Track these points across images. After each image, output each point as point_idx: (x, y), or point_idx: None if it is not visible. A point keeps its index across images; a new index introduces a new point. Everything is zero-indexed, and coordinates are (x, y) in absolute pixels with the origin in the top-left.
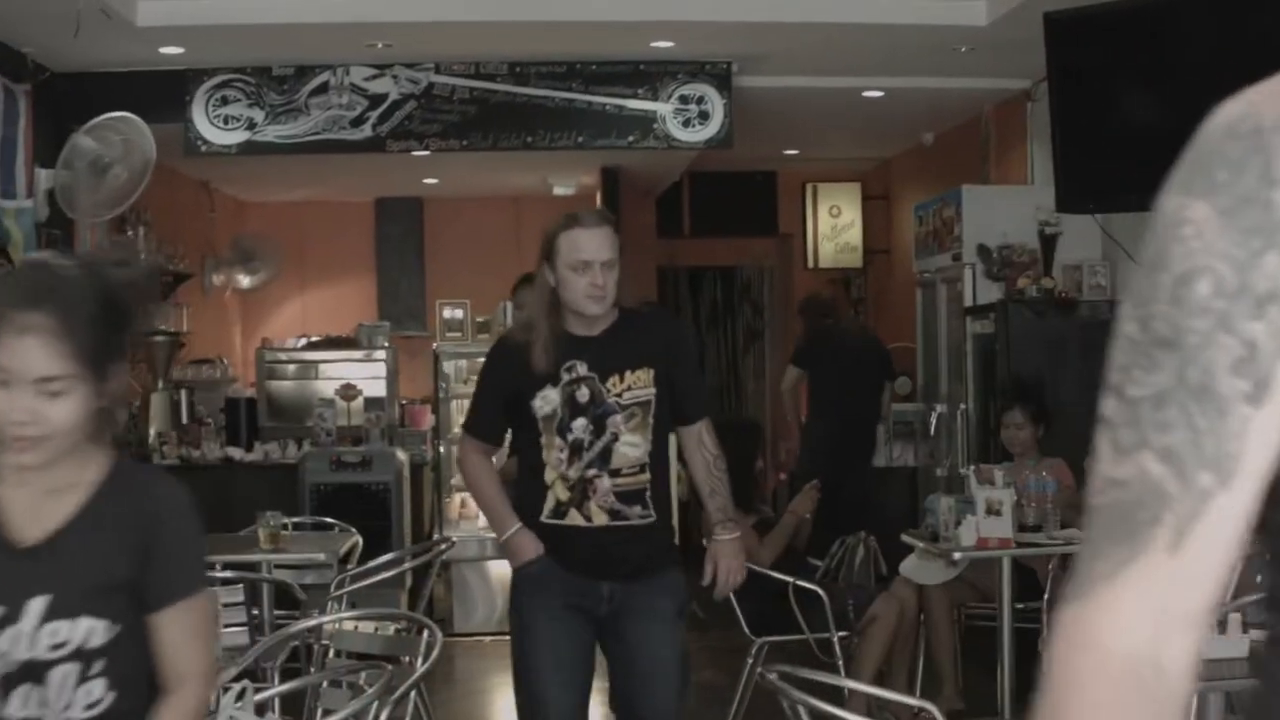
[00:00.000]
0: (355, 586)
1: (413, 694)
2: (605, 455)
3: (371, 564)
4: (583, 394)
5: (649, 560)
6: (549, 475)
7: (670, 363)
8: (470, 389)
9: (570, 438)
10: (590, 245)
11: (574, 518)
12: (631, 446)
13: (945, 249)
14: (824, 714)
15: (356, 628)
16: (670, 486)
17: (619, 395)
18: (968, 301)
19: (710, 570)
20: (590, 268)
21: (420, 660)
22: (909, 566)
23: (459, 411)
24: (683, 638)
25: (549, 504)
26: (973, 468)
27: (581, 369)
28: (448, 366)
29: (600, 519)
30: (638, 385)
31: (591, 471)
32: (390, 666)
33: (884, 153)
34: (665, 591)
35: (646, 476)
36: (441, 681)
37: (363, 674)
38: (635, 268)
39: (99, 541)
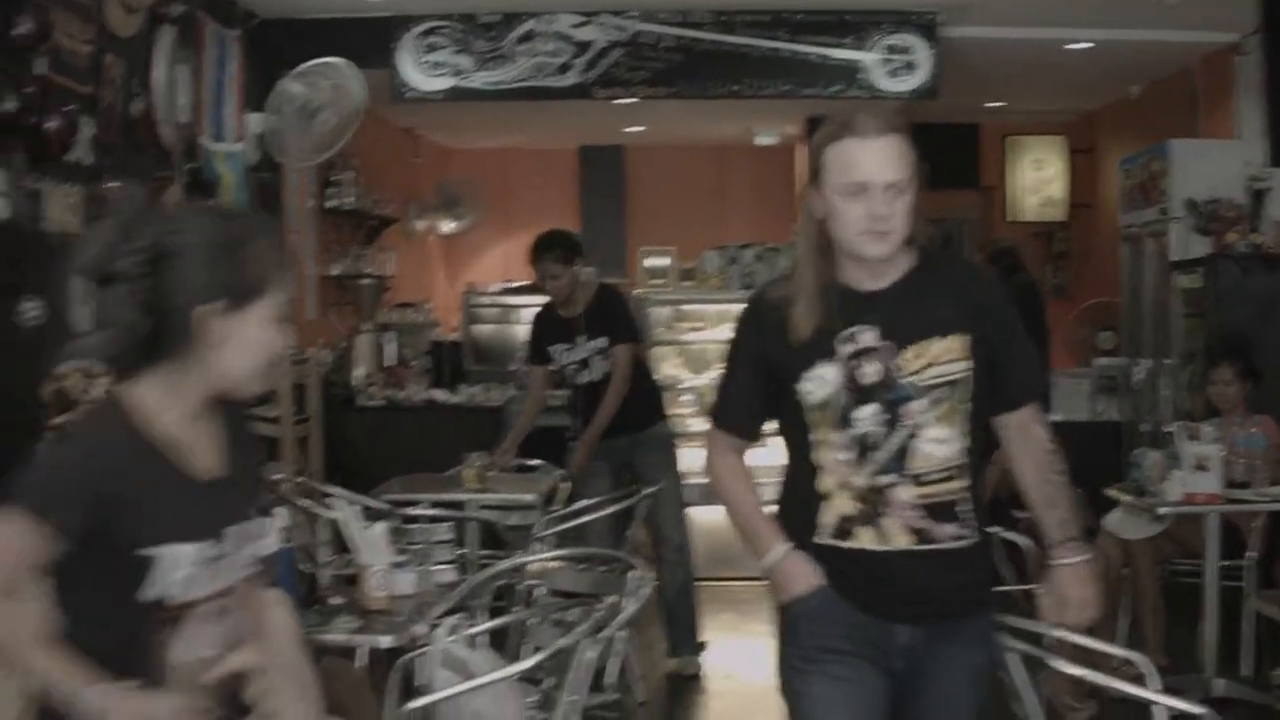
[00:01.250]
0: (560, 528)
1: (620, 634)
2: (902, 455)
3: (575, 506)
4: (870, 371)
5: (964, 597)
6: (826, 482)
7: (989, 326)
8: (676, 336)
9: (854, 432)
10: (868, 161)
11: (864, 539)
12: (938, 443)
13: (1152, 203)
14: (1034, 659)
15: (565, 567)
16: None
17: (918, 373)
18: (1174, 256)
19: (1053, 607)
20: (868, 193)
21: (630, 600)
22: (1114, 520)
23: (663, 359)
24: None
25: (829, 519)
26: (1180, 423)
27: (868, 337)
28: (652, 313)
29: (900, 540)
30: (945, 358)
31: (886, 478)
32: (600, 603)
33: (1088, 105)
34: (978, 640)
35: (961, 484)
36: (647, 625)
37: (573, 611)
38: None
39: None
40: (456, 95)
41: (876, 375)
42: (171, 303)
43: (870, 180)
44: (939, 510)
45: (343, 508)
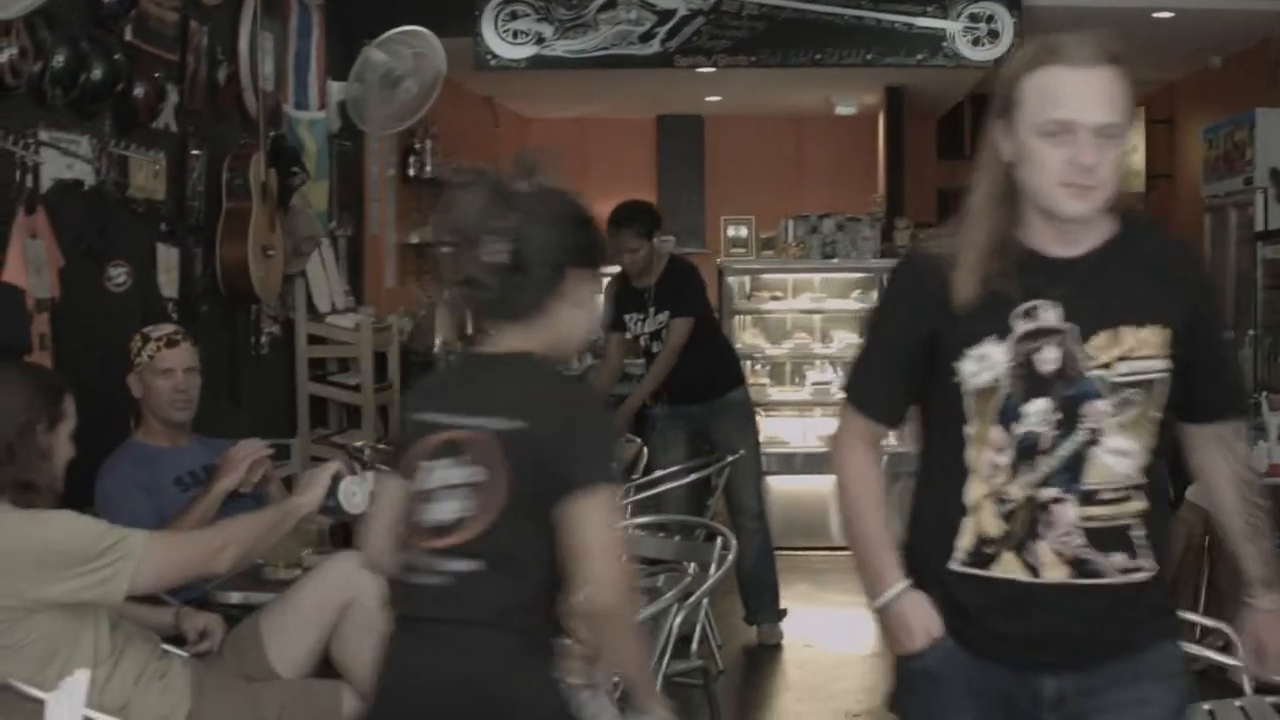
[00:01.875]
0: (639, 496)
1: (704, 600)
2: (1075, 465)
3: (656, 474)
4: (1048, 358)
5: (1130, 634)
6: (974, 490)
7: (1195, 320)
8: (755, 305)
9: (1019, 431)
10: (1076, 95)
11: (1009, 567)
12: (1119, 455)
13: (1236, 173)
14: None
15: (646, 535)
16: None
17: (1107, 366)
18: (1259, 226)
19: (1251, 654)
20: (1073, 135)
21: (715, 566)
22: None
23: (742, 328)
24: None
25: (966, 540)
26: (1264, 394)
27: (1050, 315)
28: (731, 282)
29: (1054, 572)
30: (1141, 352)
31: (1050, 491)
32: (690, 569)
33: (1168, 76)
34: (1158, 674)
35: (1138, 506)
36: (722, 594)
37: (661, 577)
38: (916, 189)
39: None
40: (538, 63)
41: (1055, 363)
42: (545, 261)
43: (1077, 120)
44: (1107, 536)
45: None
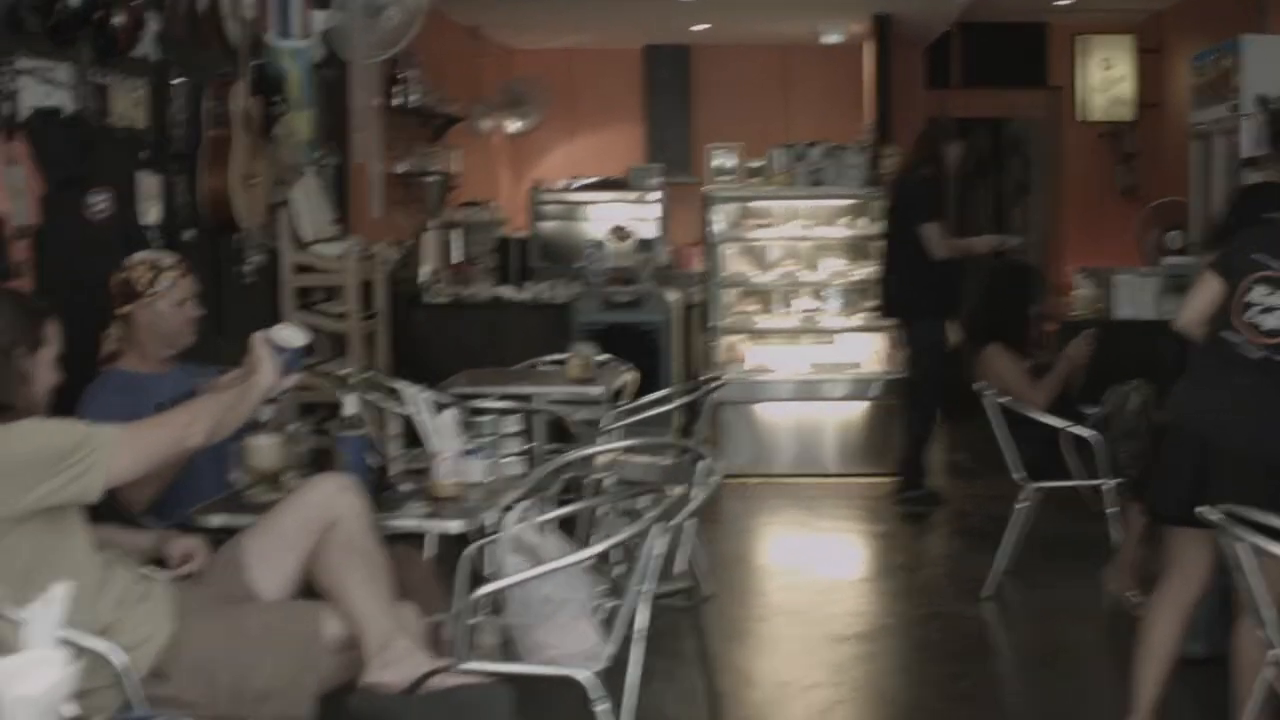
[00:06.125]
0: (627, 421)
1: (689, 523)
2: None
3: (644, 400)
4: None
5: None
6: None
7: None
8: (742, 233)
9: None
10: None
11: None
12: None
13: (1223, 100)
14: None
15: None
16: None
17: None
18: (1245, 153)
19: None
20: None
21: (698, 489)
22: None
23: (729, 255)
24: None
25: None
26: None
27: None
28: (718, 210)
29: None
30: None
31: None
32: (671, 492)
33: (1157, 5)
34: None
35: None
36: (708, 520)
37: (642, 499)
38: (903, 118)
39: None
40: None
41: None
42: None
43: None
44: None
45: (413, 396)
